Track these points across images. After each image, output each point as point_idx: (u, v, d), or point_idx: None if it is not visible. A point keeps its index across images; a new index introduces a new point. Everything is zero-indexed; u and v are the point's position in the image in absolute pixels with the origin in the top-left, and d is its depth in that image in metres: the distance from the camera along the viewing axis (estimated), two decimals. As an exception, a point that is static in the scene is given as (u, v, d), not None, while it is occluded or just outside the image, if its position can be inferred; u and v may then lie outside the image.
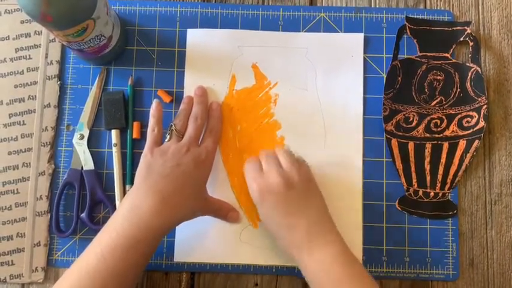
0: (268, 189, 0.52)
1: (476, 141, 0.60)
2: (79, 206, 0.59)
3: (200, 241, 0.58)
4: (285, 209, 0.52)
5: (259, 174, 0.53)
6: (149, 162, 0.53)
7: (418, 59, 0.62)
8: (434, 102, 0.61)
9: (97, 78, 0.61)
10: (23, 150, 0.61)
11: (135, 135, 0.60)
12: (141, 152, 0.59)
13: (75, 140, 0.60)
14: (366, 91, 0.61)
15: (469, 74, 0.61)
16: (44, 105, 0.61)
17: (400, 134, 0.61)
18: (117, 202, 0.59)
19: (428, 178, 0.60)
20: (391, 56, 0.62)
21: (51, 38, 0.63)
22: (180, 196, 0.52)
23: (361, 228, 0.59)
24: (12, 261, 0.58)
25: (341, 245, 0.51)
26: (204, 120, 0.58)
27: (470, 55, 0.62)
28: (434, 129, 0.61)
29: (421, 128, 0.61)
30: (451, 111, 0.61)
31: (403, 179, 0.60)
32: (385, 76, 0.62)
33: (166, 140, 0.56)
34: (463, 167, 0.60)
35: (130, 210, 0.50)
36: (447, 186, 0.60)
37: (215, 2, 0.64)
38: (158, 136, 0.56)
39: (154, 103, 0.58)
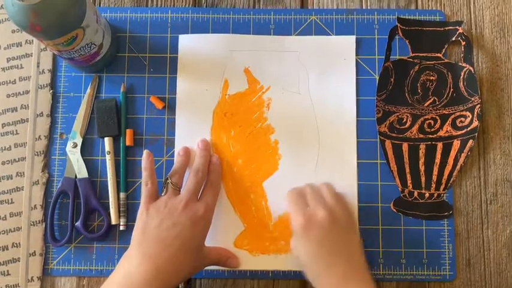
0: (313, 223, 0.50)
1: (471, 141, 0.60)
2: (73, 215, 0.59)
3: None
4: (327, 247, 0.50)
5: (304, 207, 0.52)
6: (145, 222, 0.52)
7: (411, 59, 0.62)
8: (428, 103, 0.61)
9: (89, 86, 0.61)
10: (17, 160, 0.60)
11: (128, 142, 0.60)
12: (134, 160, 0.60)
13: (69, 148, 0.60)
14: (358, 93, 0.61)
15: (462, 74, 0.61)
16: (36, 114, 0.61)
17: (394, 135, 0.60)
18: (111, 210, 0.59)
19: (423, 179, 0.60)
20: (383, 57, 0.62)
21: (42, 47, 0.62)
22: (174, 263, 0.50)
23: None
24: (7, 271, 0.58)
25: None
26: (205, 175, 0.57)
27: (462, 55, 0.62)
28: (428, 130, 0.60)
29: (414, 129, 0.60)
30: (444, 112, 0.61)
31: (397, 181, 0.60)
32: (377, 78, 0.62)
33: (162, 194, 0.55)
34: (458, 167, 0.60)
35: (124, 276, 0.49)
36: (442, 186, 0.60)
37: (206, 7, 0.64)
38: (152, 190, 0.54)
39: (145, 154, 0.57)
